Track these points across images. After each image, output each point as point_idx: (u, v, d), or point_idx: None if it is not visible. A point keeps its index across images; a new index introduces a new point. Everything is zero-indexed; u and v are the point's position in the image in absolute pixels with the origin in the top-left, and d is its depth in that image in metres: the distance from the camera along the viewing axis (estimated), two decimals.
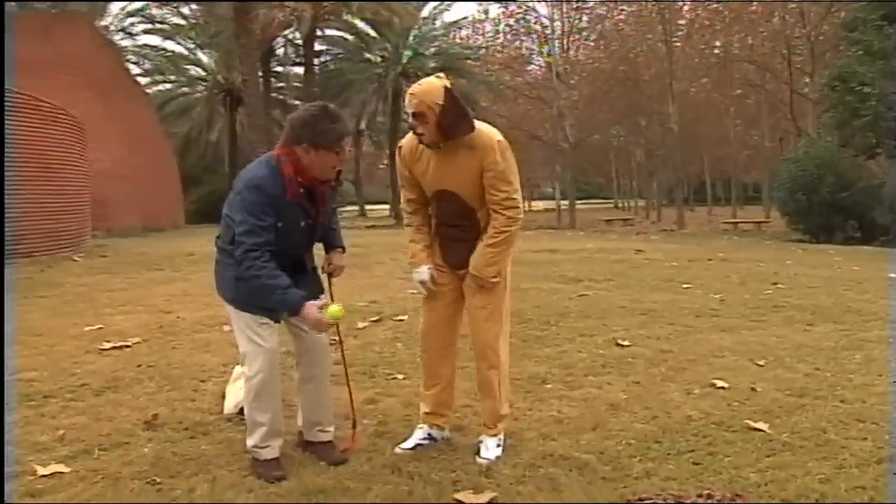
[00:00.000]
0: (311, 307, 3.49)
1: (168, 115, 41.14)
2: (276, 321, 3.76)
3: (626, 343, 6.33)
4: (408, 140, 3.93)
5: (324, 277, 4.04)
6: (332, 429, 4.02)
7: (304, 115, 3.60)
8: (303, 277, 3.83)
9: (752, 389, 5.00)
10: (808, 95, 32.84)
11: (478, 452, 3.90)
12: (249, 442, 3.74)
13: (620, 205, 71.94)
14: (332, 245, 4.03)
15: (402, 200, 4.11)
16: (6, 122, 12.73)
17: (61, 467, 3.73)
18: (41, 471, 3.68)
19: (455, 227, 3.94)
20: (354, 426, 4.07)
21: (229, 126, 41.08)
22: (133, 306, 8.09)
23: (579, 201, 63.24)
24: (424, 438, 4.04)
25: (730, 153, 49.79)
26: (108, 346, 6.27)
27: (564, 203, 44.15)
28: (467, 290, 3.97)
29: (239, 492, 3.46)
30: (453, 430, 4.24)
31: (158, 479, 3.59)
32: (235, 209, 3.58)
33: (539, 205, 78.22)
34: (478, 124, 3.79)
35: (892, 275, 10.76)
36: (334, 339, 4.31)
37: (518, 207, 3.84)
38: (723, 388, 5.04)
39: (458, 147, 3.74)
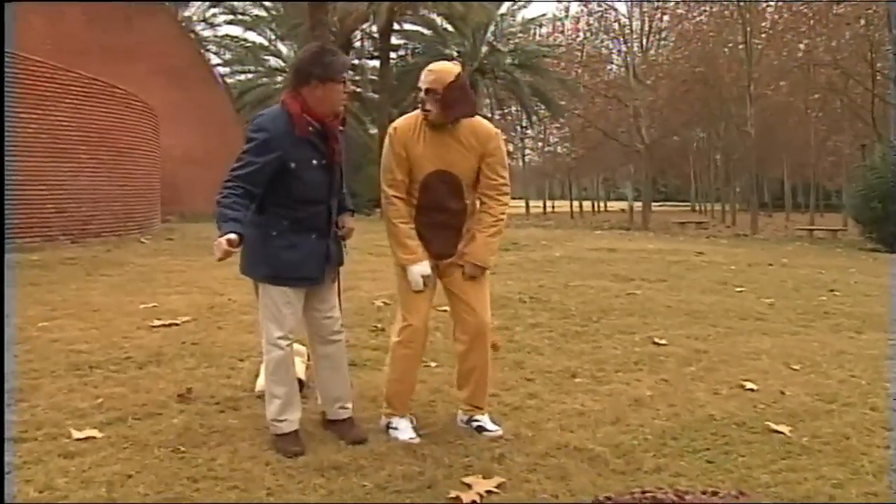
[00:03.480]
0: (220, 240, 3.43)
1: (247, 104, 41.82)
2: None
3: (662, 342, 6.33)
4: (404, 121, 4.09)
5: None
6: (350, 405, 4.16)
7: (308, 56, 3.83)
8: (332, 238, 4.01)
9: (781, 393, 4.97)
10: (891, 101, 31.87)
11: (478, 430, 4.16)
12: (268, 415, 3.90)
13: (698, 208, 70.62)
14: (343, 208, 4.15)
15: (386, 186, 4.06)
16: (85, 107, 13.26)
17: (95, 432, 3.95)
18: (76, 434, 3.91)
19: (444, 212, 4.09)
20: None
21: None
22: (188, 287, 8.36)
23: (656, 203, 62.51)
24: (415, 427, 4.17)
25: (810, 159, 48.58)
26: (158, 323, 6.52)
27: (639, 204, 43.67)
28: (456, 280, 4.12)
29: (257, 463, 3.62)
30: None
31: (183, 448, 3.77)
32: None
33: (615, 205, 77.61)
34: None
35: None
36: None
37: (509, 194, 4.15)
38: (751, 389, 5.03)
39: (462, 130, 4.01)
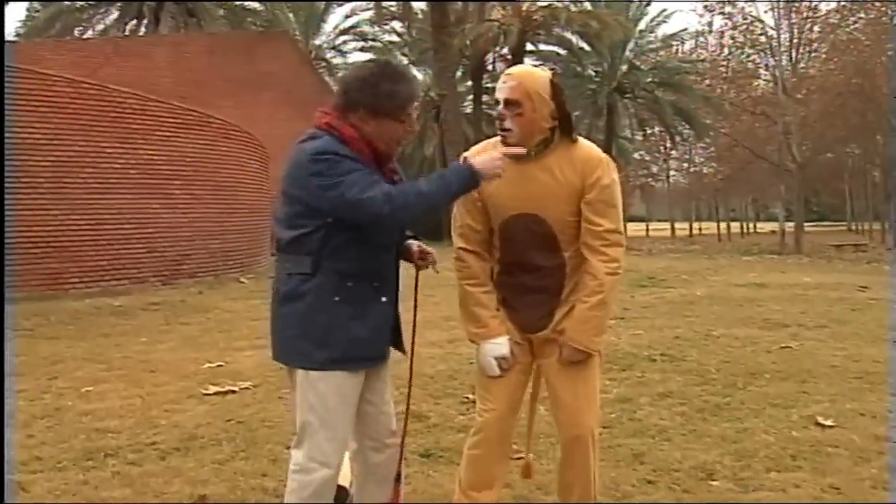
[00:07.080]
0: (476, 158, 2.78)
1: None
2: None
3: (828, 422, 4.89)
4: (478, 148, 3.08)
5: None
6: None
7: (360, 75, 2.80)
8: (396, 289, 2.94)
9: None
10: None
11: None
12: None
13: (854, 227, 66.59)
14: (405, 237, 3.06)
15: (455, 235, 3.10)
16: (177, 140, 12.75)
17: None
18: None
19: (532, 271, 2.99)
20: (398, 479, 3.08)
21: (440, 142, 41.09)
22: (267, 339, 7.49)
23: (809, 223, 59.13)
24: None
25: None
26: (213, 390, 5.67)
27: (791, 225, 41.04)
28: (552, 365, 3.01)
29: None
30: None
31: None
32: (315, 191, 2.65)
33: (765, 227, 74.32)
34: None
35: None
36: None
37: (623, 245, 2.96)
38: None
39: (554, 158, 2.93)
